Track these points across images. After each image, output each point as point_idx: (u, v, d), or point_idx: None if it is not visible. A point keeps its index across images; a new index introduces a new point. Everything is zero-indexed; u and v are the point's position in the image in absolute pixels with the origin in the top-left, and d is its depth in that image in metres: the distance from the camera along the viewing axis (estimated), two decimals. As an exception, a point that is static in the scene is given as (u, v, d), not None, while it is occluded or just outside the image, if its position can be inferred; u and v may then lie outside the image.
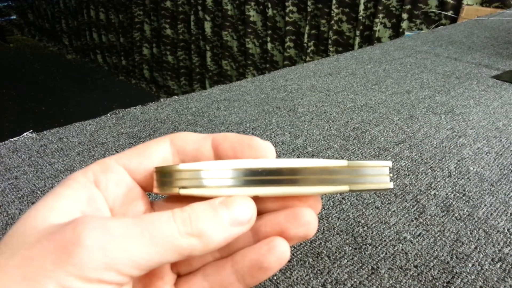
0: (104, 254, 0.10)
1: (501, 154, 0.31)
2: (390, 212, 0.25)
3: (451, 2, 1.05)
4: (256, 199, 0.13)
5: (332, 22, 1.32)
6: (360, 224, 0.24)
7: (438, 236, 0.23)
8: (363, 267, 0.21)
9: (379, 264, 0.21)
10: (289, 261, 0.21)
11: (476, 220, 0.24)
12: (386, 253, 0.21)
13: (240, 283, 0.13)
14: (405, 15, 1.15)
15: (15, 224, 0.12)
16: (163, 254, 0.11)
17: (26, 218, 0.12)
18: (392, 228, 0.23)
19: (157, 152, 0.14)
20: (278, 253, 0.13)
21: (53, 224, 0.11)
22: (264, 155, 0.13)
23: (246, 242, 0.14)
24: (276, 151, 0.31)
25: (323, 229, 0.23)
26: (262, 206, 0.14)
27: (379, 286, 0.20)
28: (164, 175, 0.13)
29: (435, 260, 0.21)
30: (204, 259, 0.14)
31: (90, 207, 0.13)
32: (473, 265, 0.21)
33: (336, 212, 0.24)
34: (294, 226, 0.13)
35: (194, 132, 0.14)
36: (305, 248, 0.22)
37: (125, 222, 0.11)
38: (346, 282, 0.20)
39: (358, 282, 0.20)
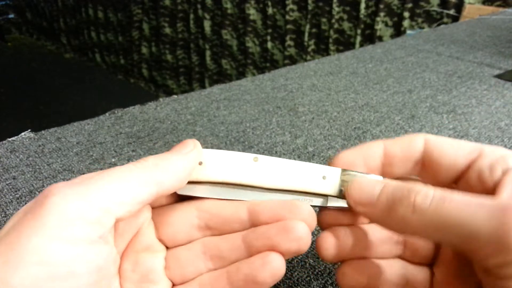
0: (85, 202, 0.11)
1: (503, 154, 0.31)
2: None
3: (453, 0, 1.05)
4: (251, 212, 0.14)
5: (333, 20, 1.32)
6: (362, 225, 0.23)
7: (441, 237, 0.23)
8: (365, 269, 0.20)
9: (381, 266, 0.21)
10: (289, 262, 0.20)
11: (479, 221, 0.24)
12: (388, 255, 0.21)
13: None
14: (406, 14, 1.15)
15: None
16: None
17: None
18: (394, 229, 0.23)
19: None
20: (272, 268, 0.13)
21: None
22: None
23: (239, 254, 0.14)
24: (276, 151, 0.31)
25: (325, 230, 0.23)
26: (255, 218, 0.14)
27: (382, 289, 0.19)
28: None
29: (438, 262, 0.21)
30: (198, 270, 0.14)
31: None
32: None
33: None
34: (286, 240, 0.13)
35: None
36: (306, 249, 0.21)
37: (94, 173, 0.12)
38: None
39: (360, 284, 0.20)
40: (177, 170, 0.13)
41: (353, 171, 0.14)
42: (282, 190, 0.14)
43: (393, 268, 0.15)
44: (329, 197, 0.15)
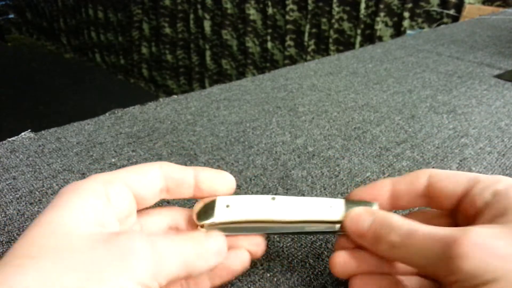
0: (153, 264, 0.13)
1: (503, 154, 0.31)
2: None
3: (453, 1, 1.05)
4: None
5: (333, 20, 1.32)
6: (362, 225, 0.23)
7: (441, 237, 0.23)
8: (365, 269, 0.20)
9: (381, 266, 0.21)
10: (289, 262, 0.20)
11: (479, 221, 0.24)
12: (388, 255, 0.21)
13: (209, 281, 0.17)
14: (406, 14, 1.15)
15: (35, 227, 0.13)
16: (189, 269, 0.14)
17: (49, 223, 0.13)
18: (394, 229, 0.23)
19: (151, 173, 0.16)
20: (240, 258, 0.17)
21: (92, 233, 0.13)
22: (230, 186, 0.18)
23: None
24: (276, 151, 0.31)
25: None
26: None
27: (382, 289, 0.19)
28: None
29: (438, 262, 0.21)
30: None
31: (105, 218, 0.14)
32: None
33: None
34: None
35: (177, 165, 0.17)
36: (306, 249, 0.21)
37: (165, 239, 0.14)
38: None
39: (360, 284, 0.19)
40: (212, 264, 0.15)
41: (352, 200, 0.18)
42: (296, 221, 0.17)
43: (409, 282, 0.17)
44: (337, 224, 0.17)
